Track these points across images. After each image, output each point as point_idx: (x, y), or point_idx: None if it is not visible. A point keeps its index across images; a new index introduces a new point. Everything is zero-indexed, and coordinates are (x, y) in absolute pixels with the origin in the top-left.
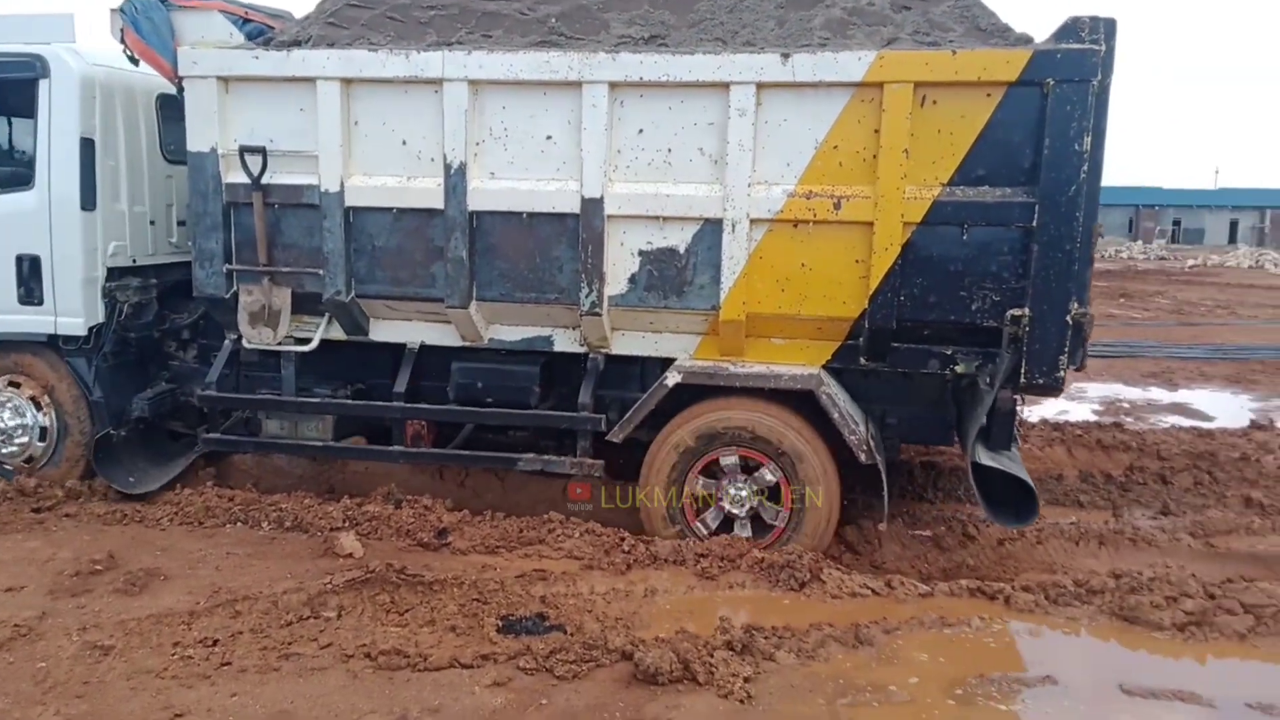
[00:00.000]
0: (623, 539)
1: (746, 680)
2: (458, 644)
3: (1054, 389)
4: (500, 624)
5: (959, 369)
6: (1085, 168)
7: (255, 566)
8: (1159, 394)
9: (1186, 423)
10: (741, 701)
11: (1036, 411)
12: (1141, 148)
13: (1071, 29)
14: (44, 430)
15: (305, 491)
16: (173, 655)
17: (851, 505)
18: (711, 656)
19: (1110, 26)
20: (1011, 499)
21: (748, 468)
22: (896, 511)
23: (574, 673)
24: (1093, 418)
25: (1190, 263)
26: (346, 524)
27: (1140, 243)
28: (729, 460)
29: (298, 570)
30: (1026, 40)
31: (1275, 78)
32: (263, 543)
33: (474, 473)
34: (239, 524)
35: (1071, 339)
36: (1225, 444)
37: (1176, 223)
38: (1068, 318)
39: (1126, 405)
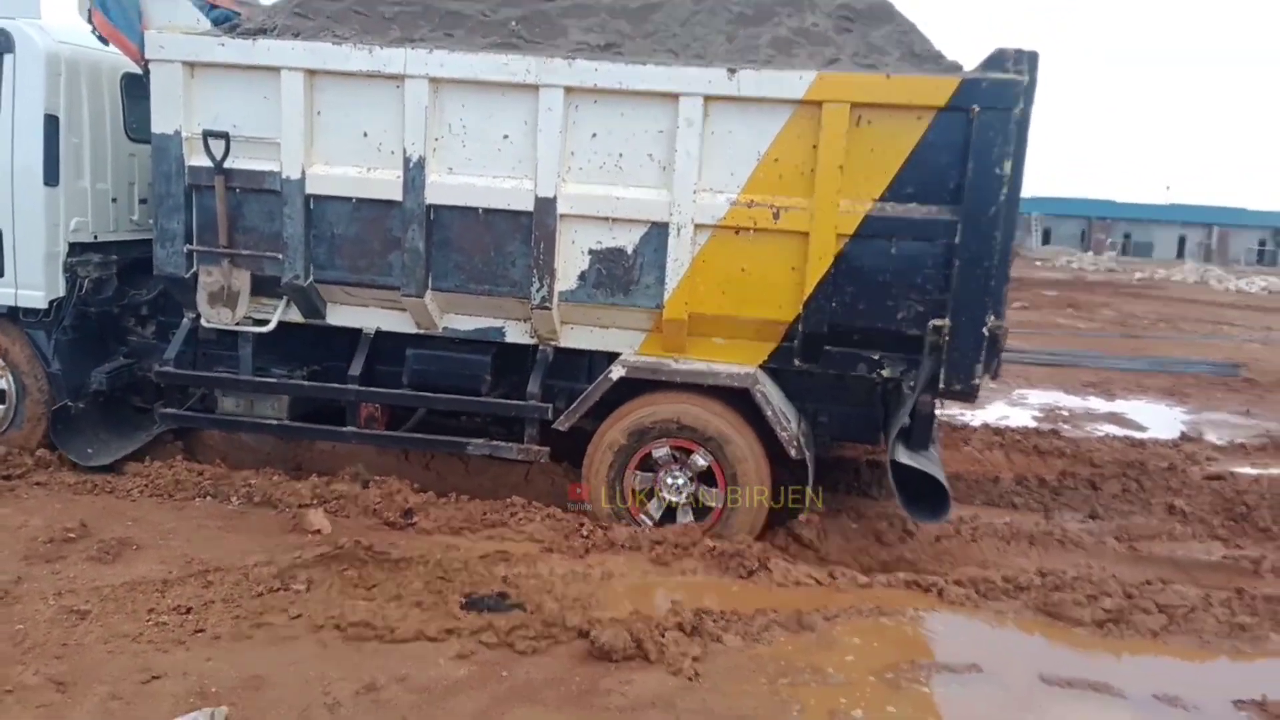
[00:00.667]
0: (581, 524)
1: (695, 659)
2: (423, 618)
3: (969, 395)
4: (464, 601)
5: (885, 373)
6: (1005, 190)
7: (226, 539)
8: (1097, 403)
9: (1120, 432)
10: (690, 679)
11: (979, 416)
12: (1096, 161)
13: (997, 59)
14: (2, 393)
15: (273, 469)
16: (148, 621)
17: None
18: (663, 637)
19: (1033, 59)
20: (928, 496)
21: (681, 458)
22: (842, 507)
23: (533, 648)
24: (1032, 424)
25: (1138, 275)
26: (315, 501)
27: (1091, 254)
28: (661, 452)
29: (267, 544)
30: (957, 67)
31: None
32: (232, 517)
33: (438, 456)
34: (209, 498)
35: (987, 349)
36: (1155, 454)
37: (1127, 236)
38: (984, 329)
39: (1065, 413)
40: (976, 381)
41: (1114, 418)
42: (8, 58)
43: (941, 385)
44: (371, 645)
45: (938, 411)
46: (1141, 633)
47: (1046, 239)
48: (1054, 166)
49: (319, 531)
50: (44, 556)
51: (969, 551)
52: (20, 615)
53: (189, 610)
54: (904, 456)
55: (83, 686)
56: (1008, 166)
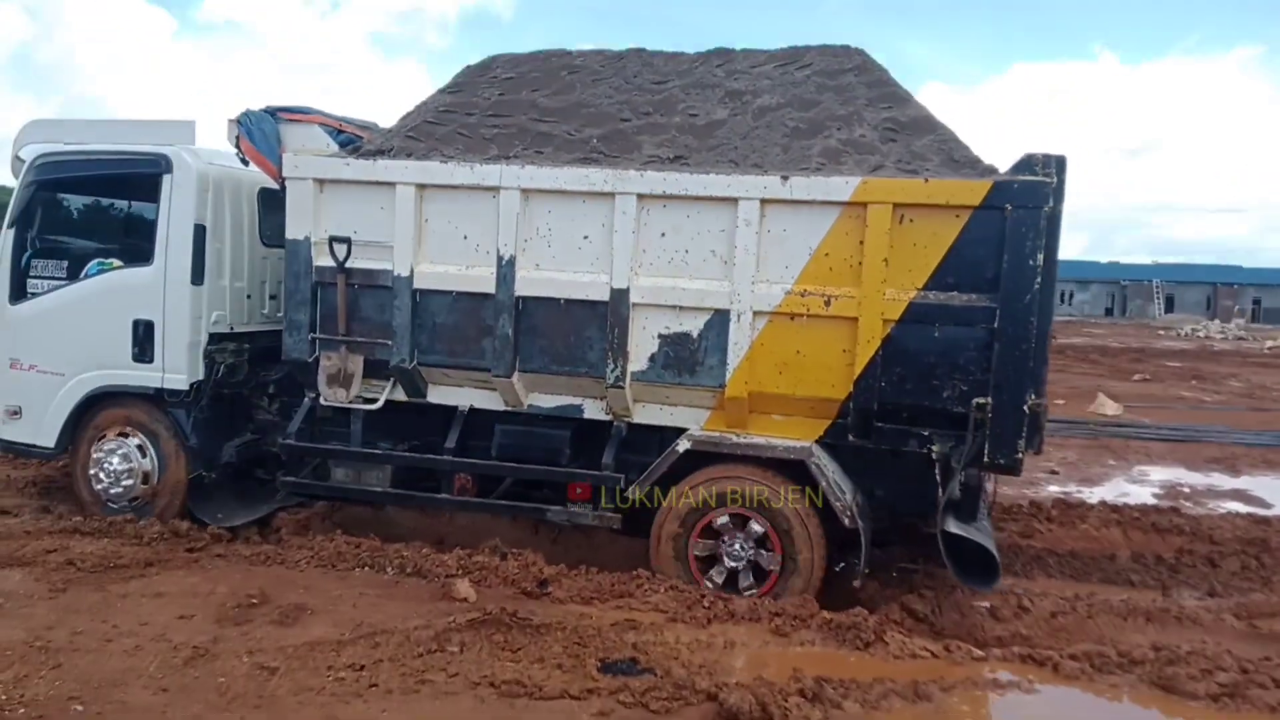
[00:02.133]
0: (703, 596)
1: None
2: (565, 679)
3: (1012, 469)
4: (599, 664)
5: (935, 449)
6: (1039, 279)
7: (386, 606)
8: (1220, 479)
9: (1244, 509)
10: None
11: (1096, 493)
12: (1221, 224)
13: (1027, 163)
14: (146, 475)
15: (421, 542)
16: (328, 676)
17: (912, 574)
18: (786, 701)
19: (1061, 162)
20: (980, 565)
21: (740, 525)
22: (956, 583)
23: (666, 709)
24: (1151, 501)
25: (1269, 344)
26: (459, 572)
27: (1218, 322)
28: (721, 520)
29: (421, 610)
30: (992, 171)
31: None
32: (389, 585)
33: (565, 531)
34: (366, 568)
35: (1029, 425)
36: (1279, 530)
37: (1257, 302)
38: (1025, 407)
39: (1186, 490)
40: (1019, 455)
41: (1238, 494)
42: (166, 178)
43: (986, 459)
44: (522, 701)
45: (986, 485)
46: (1258, 707)
47: (1170, 306)
48: (1178, 231)
49: (466, 599)
50: (233, 620)
51: (1085, 627)
52: (220, 670)
53: (362, 668)
54: (954, 527)
55: None
56: (1040, 258)
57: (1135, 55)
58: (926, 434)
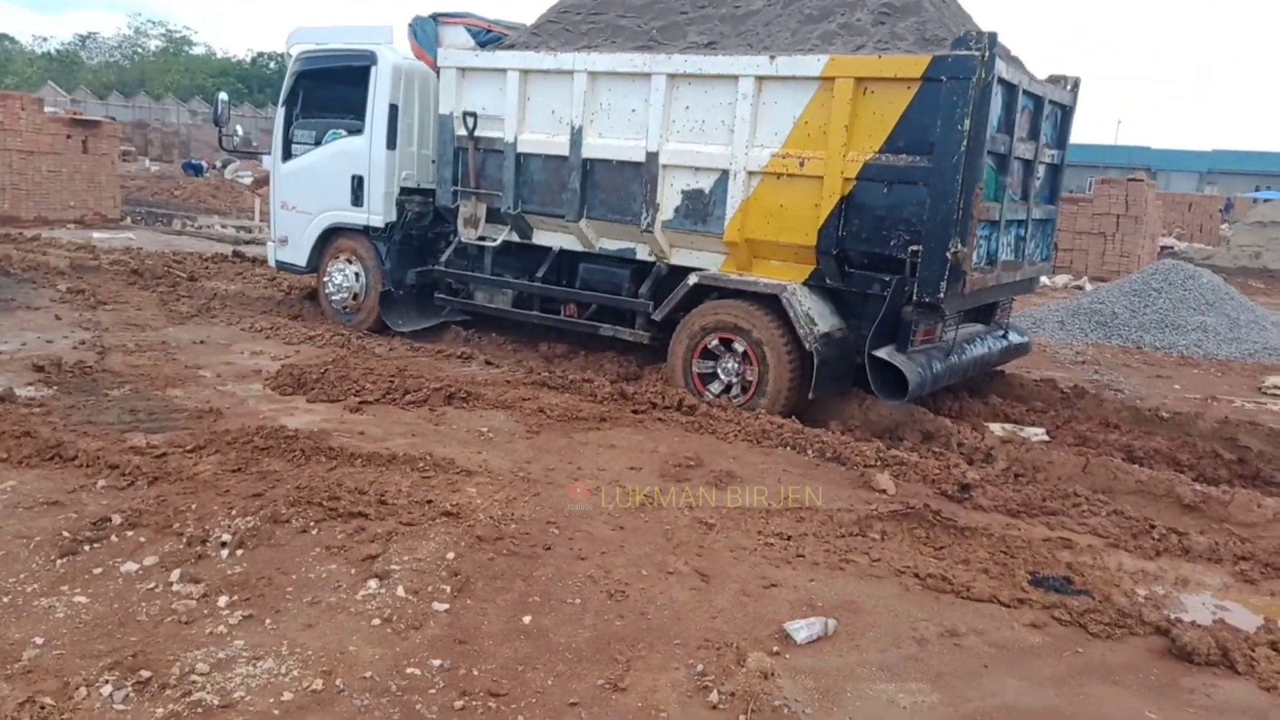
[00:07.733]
0: (1153, 526)
1: None
2: (992, 585)
3: (935, 307)
4: (1030, 577)
5: (891, 291)
6: (964, 143)
7: (806, 485)
8: None
9: None
10: None
11: None
12: None
13: (964, 40)
14: (356, 288)
15: (842, 426)
16: (758, 540)
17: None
18: (1253, 651)
19: (992, 38)
20: (897, 384)
21: (732, 346)
22: None
23: (1107, 634)
24: None
25: None
26: (878, 464)
27: None
28: (715, 341)
29: (841, 494)
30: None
31: None
32: (809, 467)
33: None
34: (788, 448)
35: (950, 270)
36: None
37: None
38: (947, 254)
39: None
40: (942, 295)
41: None
42: (373, 69)
43: (914, 299)
44: (948, 598)
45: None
46: None
47: None
48: None
49: (885, 491)
50: (674, 476)
51: None
52: (665, 518)
53: (789, 538)
54: (882, 353)
55: (719, 581)
56: (967, 124)
57: None
58: (887, 279)
